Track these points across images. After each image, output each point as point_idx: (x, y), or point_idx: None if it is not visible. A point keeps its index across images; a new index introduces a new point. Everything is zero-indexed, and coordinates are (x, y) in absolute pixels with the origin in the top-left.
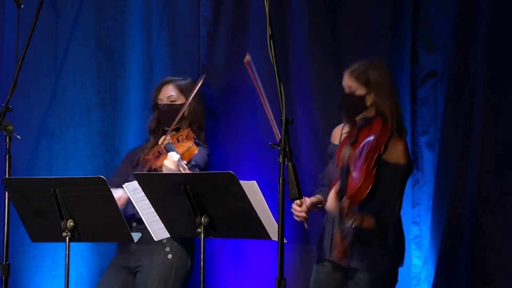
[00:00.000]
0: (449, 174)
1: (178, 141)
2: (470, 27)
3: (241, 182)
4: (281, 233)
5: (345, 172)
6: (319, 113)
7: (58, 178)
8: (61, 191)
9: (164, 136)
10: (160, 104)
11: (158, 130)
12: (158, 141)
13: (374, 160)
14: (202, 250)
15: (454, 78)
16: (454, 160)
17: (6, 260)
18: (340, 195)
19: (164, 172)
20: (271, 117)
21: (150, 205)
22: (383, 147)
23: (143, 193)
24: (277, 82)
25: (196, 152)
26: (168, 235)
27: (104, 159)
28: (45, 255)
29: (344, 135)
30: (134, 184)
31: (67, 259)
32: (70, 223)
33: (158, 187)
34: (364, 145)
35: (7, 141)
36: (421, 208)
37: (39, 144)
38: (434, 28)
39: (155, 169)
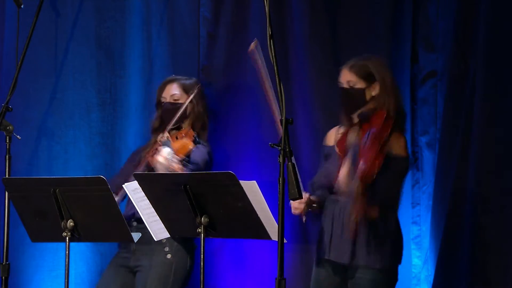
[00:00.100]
0: (449, 174)
1: (177, 138)
2: (470, 27)
3: (241, 182)
4: (281, 233)
5: (354, 154)
6: (319, 113)
7: (58, 178)
8: (61, 191)
9: (162, 133)
10: (163, 102)
11: (160, 129)
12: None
13: (380, 145)
14: (202, 250)
15: (454, 78)
16: (454, 160)
17: (6, 260)
18: (351, 174)
19: (158, 168)
20: (272, 100)
21: (150, 205)
22: (386, 135)
23: (143, 193)
24: (277, 82)
25: (191, 148)
26: (168, 235)
27: (104, 159)
28: (45, 255)
29: (339, 135)
30: (134, 184)
31: (67, 259)
32: (70, 223)
33: (158, 187)
34: (368, 134)
35: (7, 141)
36: (421, 208)
37: (39, 144)
38: (434, 28)
39: (153, 168)
